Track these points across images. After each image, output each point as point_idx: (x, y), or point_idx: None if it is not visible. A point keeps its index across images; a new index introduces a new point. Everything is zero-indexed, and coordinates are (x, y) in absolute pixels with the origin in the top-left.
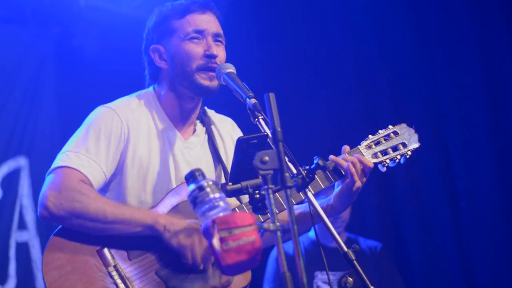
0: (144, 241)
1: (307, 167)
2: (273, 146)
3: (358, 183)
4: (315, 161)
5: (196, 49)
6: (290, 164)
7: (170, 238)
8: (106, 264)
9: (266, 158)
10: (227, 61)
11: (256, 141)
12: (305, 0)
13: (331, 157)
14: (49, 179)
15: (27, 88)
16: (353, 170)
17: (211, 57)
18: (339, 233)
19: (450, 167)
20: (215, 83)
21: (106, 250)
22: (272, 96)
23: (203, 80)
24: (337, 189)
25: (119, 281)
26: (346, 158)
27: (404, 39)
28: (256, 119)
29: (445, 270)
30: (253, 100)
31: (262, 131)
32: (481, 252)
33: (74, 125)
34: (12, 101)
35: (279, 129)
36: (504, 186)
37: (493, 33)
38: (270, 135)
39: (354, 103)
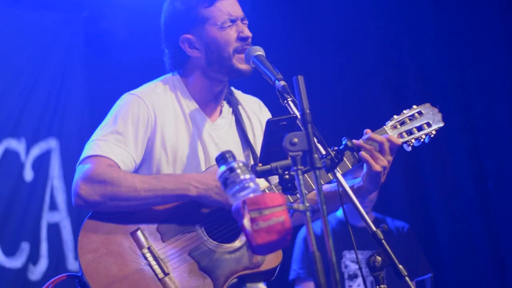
0: (177, 222)
1: (335, 148)
2: (302, 128)
3: (381, 164)
4: (343, 142)
5: (231, 34)
6: (319, 145)
7: (208, 201)
8: (140, 246)
9: (295, 140)
10: (256, 44)
11: (285, 122)
12: None
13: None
14: (79, 168)
15: (56, 71)
16: (368, 157)
17: (245, 39)
18: (366, 213)
19: (477, 147)
20: (249, 66)
21: (139, 232)
22: (301, 78)
23: (241, 64)
24: (365, 169)
25: (153, 262)
26: (374, 137)
27: (431, 19)
28: (285, 101)
29: (473, 251)
30: (282, 82)
31: (291, 112)
32: (509, 233)
33: (103, 107)
34: (42, 84)
35: (308, 111)
36: None
37: None
38: (299, 116)
39: (381, 84)
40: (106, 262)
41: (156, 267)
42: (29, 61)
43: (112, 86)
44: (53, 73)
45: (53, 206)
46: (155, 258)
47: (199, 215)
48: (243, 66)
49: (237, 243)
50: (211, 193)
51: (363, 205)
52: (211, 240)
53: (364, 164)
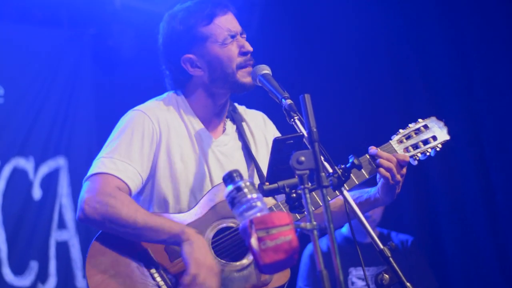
0: None
1: (342, 166)
2: (309, 146)
3: (397, 178)
4: (350, 160)
5: (232, 49)
6: (325, 163)
7: (187, 252)
8: (148, 266)
9: (303, 158)
10: (262, 62)
11: (292, 141)
12: None
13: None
14: (86, 185)
15: (64, 89)
16: (386, 172)
17: (247, 53)
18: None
19: (485, 160)
20: (251, 79)
21: (147, 253)
22: (308, 97)
23: (244, 78)
24: (380, 181)
25: (161, 282)
26: (381, 155)
27: (438, 32)
28: (292, 120)
29: (481, 264)
30: (289, 101)
31: (298, 131)
32: None
33: (111, 125)
34: (50, 102)
35: (315, 130)
36: None
37: None
38: (306, 135)
39: (389, 99)
40: (115, 283)
41: (164, 287)
42: (37, 78)
43: (120, 103)
44: (61, 90)
45: (62, 225)
46: (163, 279)
47: (206, 234)
48: (247, 80)
49: (245, 261)
50: (195, 252)
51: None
52: (219, 259)
53: (378, 176)
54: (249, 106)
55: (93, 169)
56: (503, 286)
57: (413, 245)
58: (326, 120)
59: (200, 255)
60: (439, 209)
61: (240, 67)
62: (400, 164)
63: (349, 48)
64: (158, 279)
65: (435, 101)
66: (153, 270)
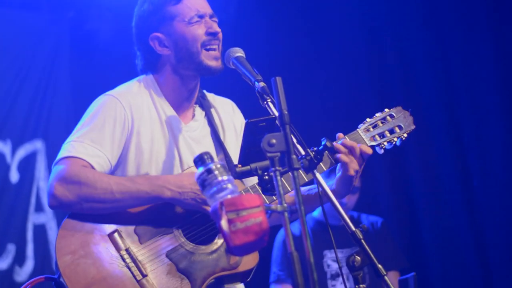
0: (154, 224)
1: (315, 149)
2: (280, 129)
3: (354, 168)
4: (322, 143)
5: (199, 30)
6: (298, 146)
7: (181, 203)
8: (118, 247)
9: (273, 141)
10: (237, 44)
11: (264, 123)
12: None
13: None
14: (55, 169)
15: (42, 72)
16: (346, 159)
17: (214, 34)
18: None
19: (462, 146)
20: (219, 63)
21: (117, 234)
22: (279, 79)
23: (209, 61)
24: (338, 173)
25: (131, 264)
26: (345, 143)
27: (415, 19)
28: (265, 102)
29: (458, 248)
30: (262, 84)
31: (271, 113)
32: (493, 230)
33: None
34: (27, 86)
35: (286, 112)
36: None
37: (506, 12)
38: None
39: (365, 84)
40: (84, 264)
41: (134, 269)
42: (14, 62)
43: (98, 87)
44: (39, 74)
45: (39, 208)
46: (133, 260)
47: (176, 217)
48: (212, 63)
49: (214, 245)
50: (186, 196)
51: None
52: (189, 242)
53: (338, 168)
54: (222, 89)
55: (62, 153)
56: (479, 268)
57: (383, 226)
58: (301, 103)
59: (193, 200)
60: (416, 196)
61: (205, 45)
62: (362, 155)
63: (326, 32)
64: (128, 260)
65: (412, 87)
66: (123, 252)
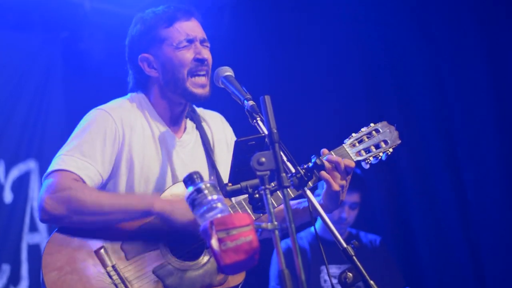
0: (141, 240)
1: (305, 166)
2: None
3: (339, 183)
4: (312, 160)
5: (187, 54)
6: (288, 163)
7: (169, 219)
8: (104, 264)
9: (263, 159)
10: (228, 63)
11: (254, 142)
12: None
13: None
14: (45, 183)
15: (35, 92)
16: (327, 176)
17: (201, 61)
18: (343, 232)
19: (457, 160)
20: (206, 90)
21: (103, 251)
22: (267, 98)
23: (195, 88)
24: (324, 189)
25: (118, 281)
26: (330, 159)
27: (409, 35)
28: (254, 121)
29: (454, 262)
30: (251, 102)
31: (261, 132)
32: (489, 244)
33: None
34: (21, 105)
35: (275, 131)
36: (510, 177)
37: (498, 25)
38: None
39: (358, 98)
40: (71, 280)
41: (121, 285)
42: (8, 82)
43: (91, 107)
44: (32, 94)
45: (33, 228)
46: (120, 277)
47: (163, 233)
48: (198, 91)
49: (201, 261)
50: (176, 212)
51: (339, 227)
52: (175, 258)
53: (324, 183)
54: (212, 107)
55: (52, 166)
56: (475, 283)
57: (382, 244)
58: (293, 120)
59: (178, 215)
60: (411, 209)
61: (191, 73)
62: (346, 170)
63: (316, 49)
64: (115, 277)
65: (406, 100)
66: (109, 268)
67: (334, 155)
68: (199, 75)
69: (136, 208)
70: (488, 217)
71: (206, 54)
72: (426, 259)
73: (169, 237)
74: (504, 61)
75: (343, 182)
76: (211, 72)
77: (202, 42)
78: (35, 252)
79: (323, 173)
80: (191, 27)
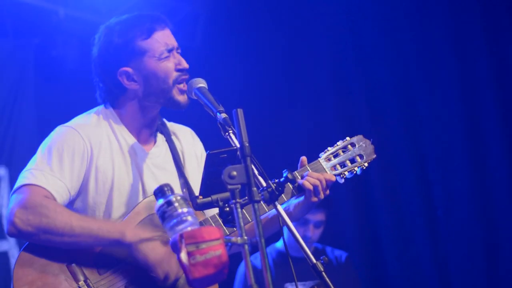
0: (113, 255)
1: (276, 181)
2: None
3: (321, 196)
4: (284, 174)
5: (169, 64)
6: (259, 177)
7: (137, 254)
8: (76, 279)
9: (234, 173)
10: (202, 75)
11: (225, 155)
12: (280, 12)
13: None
14: (14, 197)
15: (6, 98)
16: (310, 187)
17: (184, 70)
18: (308, 248)
19: (426, 176)
20: (186, 96)
21: (75, 265)
22: (240, 111)
23: (179, 96)
24: (300, 199)
25: None
26: (312, 175)
27: (379, 46)
28: (227, 133)
29: (422, 279)
30: (224, 115)
31: (233, 145)
32: (457, 261)
33: None
34: None
35: (247, 144)
36: (479, 195)
37: (469, 40)
38: None
39: (330, 113)
40: None
41: None
42: None
43: (63, 114)
44: (3, 100)
45: (2, 235)
46: None
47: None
48: (181, 98)
49: None
50: (145, 248)
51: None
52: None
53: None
54: (182, 121)
55: (22, 180)
56: None
57: (347, 260)
58: (265, 133)
59: (151, 252)
60: (380, 225)
61: (177, 82)
62: (327, 183)
63: (290, 61)
64: None
65: (378, 117)
66: (81, 283)
67: (314, 174)
68: (183, 81)
69: (106, 236)
70: (457, 234)
71: (185, 63)
72: (394, 275)
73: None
74: (475, 75)
75: (322, 196)
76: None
77: (177, 49)
78: (2, 259)
79: (306, 183)
80: (168, 37)
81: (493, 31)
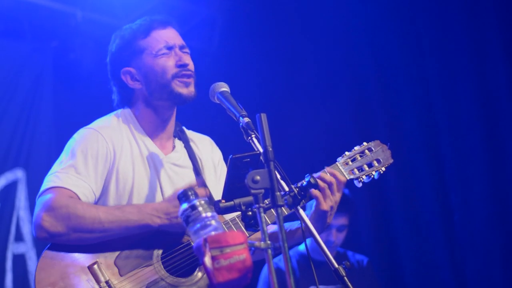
0: (134, 256)
1: (299, 185)
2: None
3: (329, 204)
4: (306, 179)
5: (168, 62)
6: (282, 182)
7: (170, 225)
8: (98, 280)
9: (258, 178)
10: (222, 80)
11: (248, 159)
12: (298, 17)
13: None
14: (41, 200)
15: (24, 101)
16: (318, 193)
17: (183, 66)
18: (331, 253)
19: (444, 180)
20: (191, 89)
21: (96, 266)
22: (263, 116)
23: (180, 88)
24: (312, 209)
25: None
26: (324, 177)
27: (398, 53)
28: (249, 138)
29: (439, 284)
30: (246, 119)
31: (255, 149)
32: (474, 266)
33: (70, 138)
34: (10, 114)
35: (270, 149)
36: (496, 199)
37: (486, 47)
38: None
39: (348, 118)
40: None
41: None
42: None
43: (80, 116)
44: (21, 103)
45: (19, 237)
46: None
47: (156, 249)
48: (183, 90)
49: (195, 277)
50: (174, 221)
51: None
52: (169, 274)
53: (313, 204)
54: (207, 123)
55: (48, 184)
56: None
57: (369, 265)
58: (286, 138)
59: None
60: (398, 230)
61: (177, 76)
62: (338, 185)
63: (310, 65)
64: None
65: (395, 122)
66: (103, 284)
67: (328, 174)
68: (185, 76)
69: (136, 222)
70: (474, 239)
71: (188, 59)
72: (411, 280)
73: (163, 253)
74: (493, 80)
75: (333, 203)
76: (195, 78)
77: (181, 48)
78: (20, 262)
79: (313, 191)
80: (169, 35)
81: (511, 37)
